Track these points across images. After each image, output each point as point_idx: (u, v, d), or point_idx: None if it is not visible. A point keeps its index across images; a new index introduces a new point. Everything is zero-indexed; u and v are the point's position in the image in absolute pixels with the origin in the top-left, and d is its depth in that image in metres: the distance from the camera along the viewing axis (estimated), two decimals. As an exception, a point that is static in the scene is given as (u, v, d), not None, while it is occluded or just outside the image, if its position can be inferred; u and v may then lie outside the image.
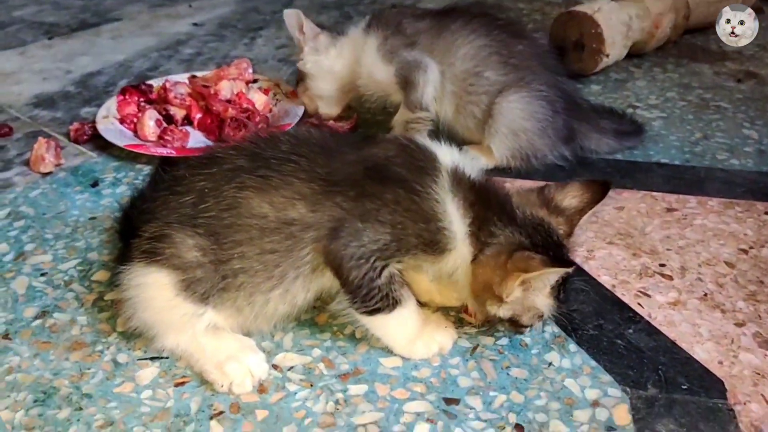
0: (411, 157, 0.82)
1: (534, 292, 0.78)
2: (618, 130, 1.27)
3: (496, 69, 1.16)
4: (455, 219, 0.79)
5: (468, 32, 1.17)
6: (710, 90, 1.56)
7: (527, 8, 2.11)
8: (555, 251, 0.78)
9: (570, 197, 0.84)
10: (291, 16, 1.27)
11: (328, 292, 0.83)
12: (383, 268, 0.78)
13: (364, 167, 0.80)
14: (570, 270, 0.77)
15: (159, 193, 0.85)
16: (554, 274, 0.77)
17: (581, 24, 1.54)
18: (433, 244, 0.78)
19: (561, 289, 0.80)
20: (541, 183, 0.89)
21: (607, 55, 1.55)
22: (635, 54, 1.69)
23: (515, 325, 0.82)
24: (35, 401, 0.77)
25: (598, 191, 0.84)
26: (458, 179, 0.80)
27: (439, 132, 1.23)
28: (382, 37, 1.19)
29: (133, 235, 0.91)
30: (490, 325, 0.86)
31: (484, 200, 0.80)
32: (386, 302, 0.79)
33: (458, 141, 1.23)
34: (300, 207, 0.77)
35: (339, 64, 1.26)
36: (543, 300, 0.80)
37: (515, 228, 0.79)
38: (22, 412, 0.76)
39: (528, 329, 0.84)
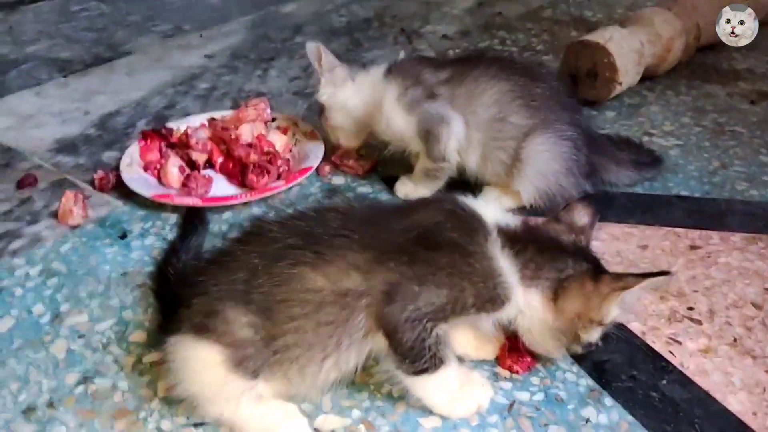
0: (459, 220, 0.85)
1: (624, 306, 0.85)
2: (636, 161, 1.29)
3: (520, 113, 1.17)
4: (509, 270, 0.82)
5: (489, 78, 1.18)
6: (724, 113, 1.57)
7: (536, 29, 2.12)
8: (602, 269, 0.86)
9: (579, 216, 0.91)
10: (311, 48, 1.28)
11: (375, 354, 0.85)
12: (433, 328, 0.79)
13: (414, 236, 0.82)
14: (668, 276, 0.83)
15: (208, 266, 0.86)
16: (651, 285, 0.83)
17: (594, 53, 1.55)
18: (492, 300, 0.81)
19: None
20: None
21: (620, 83, 1.56)
22: (647, 77, 1.70)
23: (589, 346, 0.87)
24: (85, 474, 0.79)
25: (594, 210, 0.93)
26: (505, 232, 0.84)
27: (460, 177, 1.25)
28: (402, 87, 1.19)
29: (170, 295, 0.94)
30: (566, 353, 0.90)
31: (535, 243, 0.85)
32: (433, 362, 0.80)
33: (479, 183, 1.26)
34: (355, 276, 0.79)
35: (355, 99, 1.26)
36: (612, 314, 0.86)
37: (574, 258, 0.85)
38: (74, 486, 0.78)
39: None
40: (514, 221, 0.87)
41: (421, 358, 0.80)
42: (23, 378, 0.92)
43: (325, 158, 1.36)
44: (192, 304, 0.82)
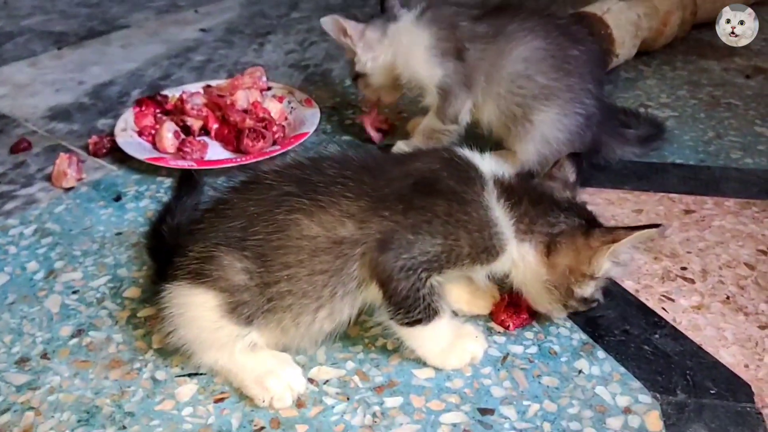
0: (456, 169, 0.84)
1: (618, 261, 0.84)
2: (641, 137, 1.28)
3: (548, 73, 1.15)
4: (504, 222, 0.82)
5: (525, 33, 1.15)
6: (720, 87, 1.57)
7: (533, 6, 2.11)
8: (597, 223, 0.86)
9: (569, 172, 0.92)
10: (329, 23, 1.24)
11: (369, 306, 0.85)
12: (428, 278, 0.79)
13: (411, 182, 0.82)
14: (658, 229, 0.81)
15: (205, 214, 0.86)
16: (641, 237, 0.82)
17: (591, 25, 1.55)
18: (487, 250, 0.81)
19: None
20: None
21: (617, 55, 1.56)
22: (644, 51, 1.70)
23: (587, 301, 0.87)
24: (79, 421, 0.79)
25: (577, 159, 0.94)
26: (501, 183, 0.84)
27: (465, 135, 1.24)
28: (435, 37, 1.16)
29: (164, 251, 0.94)
30: (566, 311, 0.89)
31: (529, 197, 0.84)
32: (427, 313, 0.80)
33: (481, 142, 1.26)
34: (349, 225, 0.79)
35: (394, 53, 1.22)
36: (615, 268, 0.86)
37: (567, 213, 0.85)
38: (67, 432, 0.78)
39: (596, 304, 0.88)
40: (509, 174, 0.87)
41: (415, 308, 0.80)
42: (17, 330, 0.92)
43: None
44: (188, 251, 0.82)
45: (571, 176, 0.91)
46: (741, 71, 1.65)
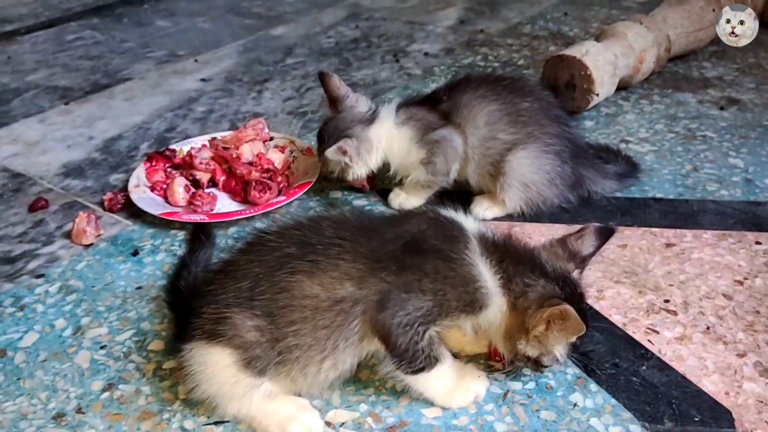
0: (442, 228, 0.93)
1: (556, 333, 0.87)
2: (618, 173, 1.38)
3: (507, 129, 1.26)
4: (489, 278, 0.89)
5: (479, 101, 1.27)
6: (696, 119, 1.67)
7: (516, 44, 2.22)
8: (579, 304, 0.89)
9: (588, 246, 0.95)
10: (333, 152, 1.28)
11: (371, 354, 0.92)
12: (425, 331, 0.87)
13: (402, 243, 0.90)
14: (582, 333, 0.86)
15: (216, 276, 0.94)
16: (572, 326, 0.85)
17: (571, 66, 1.65)
18: (472, 303, 0.88)
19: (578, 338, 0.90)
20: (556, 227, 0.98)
21: (597, 94, 1.65)
22: (623, 87, 1.80)
23: (537, 364, 0.92)
24: (117, 471, 0.86)
25: (606, 236, 0.96)
26: (485, 242, 0.92)
27: (451, 188, 1.34)
28: (415, 128, 1.28)
29: (183, 306, 1.02)
30: (516, 367, 0.94)
31: (512, 257, 0.91)
32: (428, 361, 0.88)
33: (470, 192, 1.35)
34: (348, 285, 0.86)
35: (381, 154, 1.32)
36: (561, 345, 0.90)
37: (548, 280, 0.89)
38: (106, 482, 0.85)
39: (547, 369, 0.93)
40: (494, 233, 0.94)
41: (416, 359, 0.87)
42: (51, 387, 0.99)
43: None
44: (202, 312, 0.90)
45: (587, 249, 0.94)
46: (715, 103, 1.75)
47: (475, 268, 0.88)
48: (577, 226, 1.23)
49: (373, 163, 1.32)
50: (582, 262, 0.94)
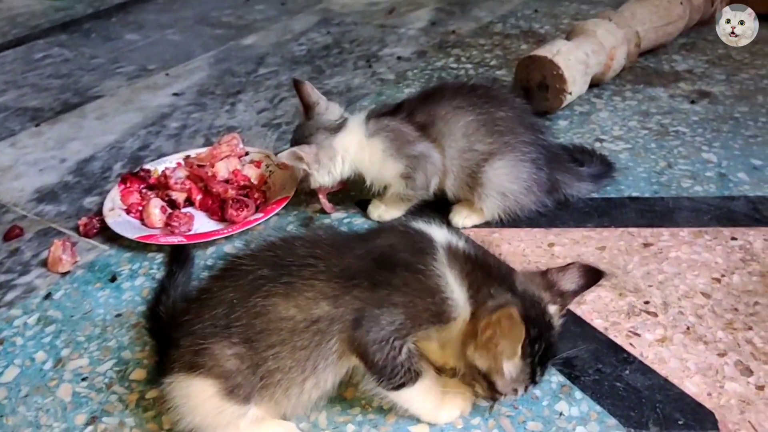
0: (411, 241, 0.92)
1: (499, 339, 0.83)
2: (593, 174, 1.38)
3: (484, 140, 1.26)
4: (456, 288, 0.88)
5: (455, 112, 1.26)
6: (668, 115, 1.68)
7: (488, 43, 2.22)
8: (542, 330, 0.85)
9: (570, 282, 0.92)
10: (287, 157, 1.29)
11: (353, 372, 0.92)
12: (402, 346, 0.86)
13: (372, 258, 0.90)
14: (521, 338, 0.81)
15: (190, 305, 0.93)
16: (513, 330, 0.80)
17: (543, 67, 1.65)
18: (441, 314, 0.88)
19: (537, 369, 0.86)
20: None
21: (570, 93, 1.66)
22: (595, 84, 1.81)
23: (491, 387, 0.87)
24: (104, 508, 0.85)
25: (594, 277, 0.93)
26: (454, 253, 0.91)
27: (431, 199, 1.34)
28: (388, 139, 1.27)
29: (164, 333, 1.01)
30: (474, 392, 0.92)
31: (483, 270, 0.90)
32: (409, 376, 0.88)
33: (448, 201, 1.35)
34: (324, 305, 0.86)
35: (348, 163, 1.32)
36: (512, 364, 0.85)
37: (514, 297, 0.87)
38: None
39: (503, 397, 0.88)
40: (467, 245, 0.93)
41: (396, 374, 0.87)
42: (34, 423, 0.98)
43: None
44: (180, 344, 0.89)
45: (569, 285, 0.91)
46: (686, 97, 1.76)
47: (442, 279, 0.88)
48: (555, 230, 1.27)
49: (338, 172, 1.31)
50: (561, 296, 0.91)
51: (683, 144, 1.55)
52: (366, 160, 1.30)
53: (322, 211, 1.40)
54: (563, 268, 0.93)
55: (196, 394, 0.87)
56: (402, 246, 0.91)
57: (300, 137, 1.32)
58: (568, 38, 1.80)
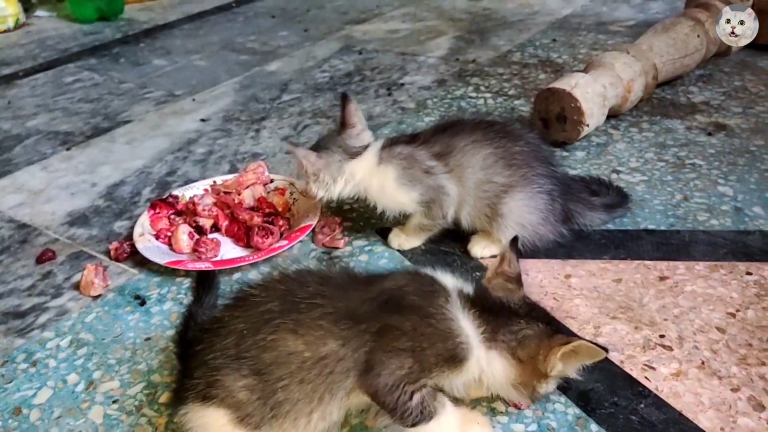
0: (420, 284, 0.95)
1: (569, 366, 0.92)
2: (607, 204, 1.41)
3: (502, 173, 1.30)
4: (470, 331, 0.91)
5: (472, 146, 1.30)
6: (684, 147, 1.71)
7: (506, 73, 2.26)
8: (547, 320, 0.96)
9: (514, 265, 1.00)
10: (293, 152, 1.33)
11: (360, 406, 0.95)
12: (413, 391, 0.88)
13: (381, 302, 0.92)
14: (606, 354, 0.89)
15: (204, 335, 0.95)
16: (586, 347, 0.89)
17: (561, 99, 1.69)
18: (453, 359, 0.90)
19: None
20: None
21: (588, 125, 1.69)
22: (613, 115, 1.84)
23: (547, 395, 0.97)
24: None
25: (515, 244, 1.03)
26: (463, 296, 0.94)
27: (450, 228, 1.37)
28: (400, 167, 1.31)
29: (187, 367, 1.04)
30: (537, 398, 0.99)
31: (489, 307, 0.94)
32: (423, 416, 0.90)
33: (467, 232, 1.38)
34: (331, 343, 0.88)
35: (351, 187, 1.35)
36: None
37: (525, 319, 0.93)
38: None
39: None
40: (470, 287, 0.97)
41: (409, 415, 0.89)
42: (67, 444, 1.02)
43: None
44: (194, 375, 0.92)
45: (516, 268, 1.00)
46: (703, 129, 1.79)
47: (455, 323, 0.90)
48: (573, 262, 1.29)
49: (336, 192, 1.34)
50: (518, 281, 0.99)
51: (699, 177, 1.58)
52: (374, 186, 1.33)
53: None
54: (503, 260, 1.01)
55: (211, 423, 0.89)
56: (411, 289, 0.94)
57: (321, 143, 1.36)
58: (585, 70, 1.83)
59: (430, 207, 1.31)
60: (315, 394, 0.89)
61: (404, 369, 0.88)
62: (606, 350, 0.88)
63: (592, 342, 0.89)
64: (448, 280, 0.97)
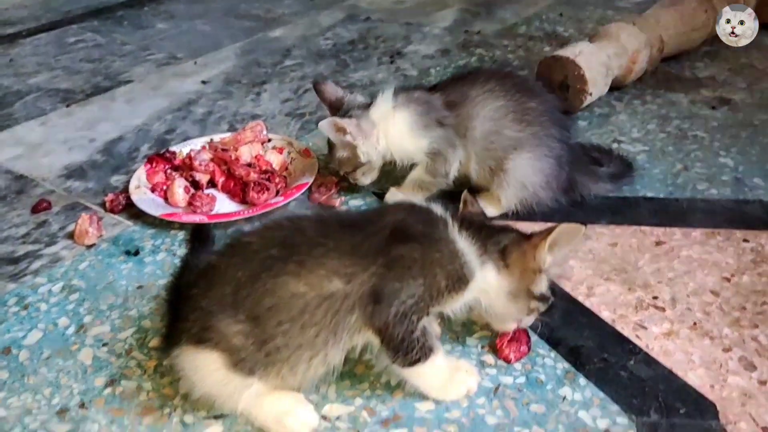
0: (420, 214, 0.96)
1: (557, 254, 0.97)
2: (612, 174, 1.40)
3: (513, 127, 1.28)
4: (468, 251, 0.93)
5: (487, 95, 1.28)
6: (687, 119, 1.69)
7: (511, 44, 2.24)
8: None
9: (476, 205, 1.07)
10: (326, 126, 1.30)
11: (364, 349, 0.95)
12: (418, 320, 0.89)
13: (385, 235, 0.92)
14: (581, 225, 0.95)
15: (198, 280, 0.94)
16: (567, 230, 0.94)
17: (565, 67, 1.67)
18: (460, 280, 0.92)
19: None
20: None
21: (590, 94, 1.68)
22: (616, 87, 1.82)
23: (545, 300, 0.99)
24: (119, 464, 0.89)
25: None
26: (456, 220, 0.97)
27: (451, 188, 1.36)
28: (415, 113, 1.29)
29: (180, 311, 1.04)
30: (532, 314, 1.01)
31: (476, 227, 0.97)
32: (423, 352, 0.90)
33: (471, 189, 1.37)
34: (336, 281, 0.88)
35: (384, 135, 1.33)
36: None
37: (502, 232, 0.99)
38: (108, 475, 0.87)
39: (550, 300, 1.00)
40: (455, 212, 1.00)
41: (412, 349, 0.90)
42: (55, 383, 1.02)
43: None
44: (187, 318, 0.91)
45: (478, 207, 1.07)
46: (707, 103, 1.77)
47: (457, 245, 0.92)
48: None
49: (381, 145, 1.33)
50: (484, 215, 1.08)
51: (701, 148, 1.56)
52: (392, 131, 1.31)
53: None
54: (467, 205, 1.05)
55: (203, 366, 0.89)
56: (413, 220, 0.95)
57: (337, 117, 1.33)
58: (591, 41, 1.81)
59: (435, 160, 1.30)
60: (318, 338, 0.88)
61: (415, 297, 0.88)
62: (584, 224, 0.94)
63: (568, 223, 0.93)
64: (439, 208, 0.98)
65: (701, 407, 0.92)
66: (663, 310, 1.10)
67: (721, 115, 1.71)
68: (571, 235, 0.95)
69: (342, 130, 1.29)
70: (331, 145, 1.37)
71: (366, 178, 1.39)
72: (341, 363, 0.93)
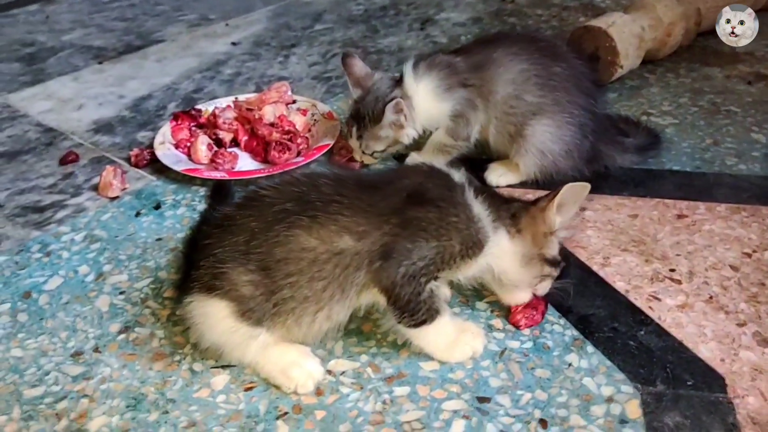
0: (439, 178, 0.96)
1: (566, 214, 0.97)
2: (639, 146, 1.37)
3: (534, 92, 1.26)
4: (483, 216, 0.93)
5: (509, 58, 1.26)
6: (721, 94, 1.65)
7: (545, 14, 2.20)
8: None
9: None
10: (393, 106, 1.28)
11: (371, 307, 0.96)
12: (426, 283, 0.90)
13: (403, 196, 0.92)
14: (586, 184, 0.95)
15: (213, 230, 0.95)
16: (574, 189, 0.94)
17: (596, 38, 1.63)
18: (475, 244, 0.92)
19: None
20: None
21: (621, 66, 1.64)
22: (649, 60, 1.78)
23: (557, 264, 0.99)
24: (127, 407, 0.91)
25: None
26: (472, 185, 0.96)
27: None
28: (438, 77, 1.28)
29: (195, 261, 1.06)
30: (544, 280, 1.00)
31: (488, 193, 0.98)
32: (429, 313, 0.91)
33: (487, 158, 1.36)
34: (347, 238, 0.89)
35: (419, 115, 1.32)
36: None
37: (512, 200, 1.01)
38: (117, 417, 0.90)
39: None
40: (472, 178, 1.00)
41: (418, 310, 0.90)
42: (71, 327, 1.04)
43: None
44: (200, 266, 0.93)
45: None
46: (743, 78, 1.72)
47: (472, 210, 0.92)
48: (589, 195, 1.27)
49: (418, 122, 1.32)
50: None
51: (733, 123, 1.52)
52: (418, 103, 1.30)
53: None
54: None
55: (213, 314, 0.91)
56: (431, 183, 0.95)
57: (377, 101, 1.30)
58: (626, 11, 1.77)
59: (457, 122, 1.29)
60: (324, 292, 0.89)
61: (426, 260, 0.89)
62: (589, 182, 0.95)
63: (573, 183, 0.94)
64: (454, 173, 0.98)
65: (709, 380, 0.91)
66: (679, 282, 1.08)
67: (756, 90, 1.66)
68: (578, 195, 0.95)
69: (401, 111, 1.28)
70: (350, 122, 1.35)
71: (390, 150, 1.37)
72: (346, 320, 0.95)
